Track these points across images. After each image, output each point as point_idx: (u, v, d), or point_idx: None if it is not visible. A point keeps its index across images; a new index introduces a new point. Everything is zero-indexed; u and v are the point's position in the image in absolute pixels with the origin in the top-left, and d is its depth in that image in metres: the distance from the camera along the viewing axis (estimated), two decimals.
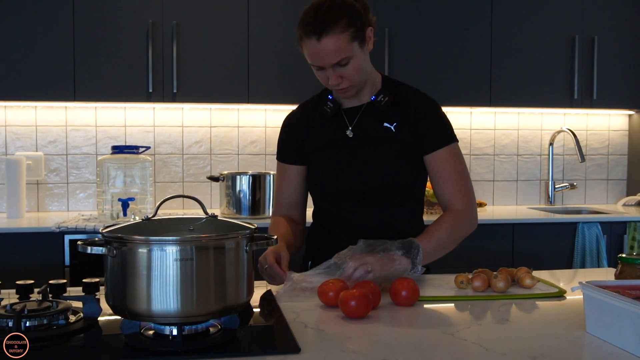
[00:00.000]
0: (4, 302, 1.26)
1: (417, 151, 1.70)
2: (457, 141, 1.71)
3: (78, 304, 1.28)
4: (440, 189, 1.70)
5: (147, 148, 3.09)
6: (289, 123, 1.84)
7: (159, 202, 1.28)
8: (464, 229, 1.68)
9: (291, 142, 1.80)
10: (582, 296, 1.21)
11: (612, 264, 3.15)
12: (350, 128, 1.72)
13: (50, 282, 1.31)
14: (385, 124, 1.70)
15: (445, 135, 1.70)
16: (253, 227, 1.22)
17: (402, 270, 1.49)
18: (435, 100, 1.76)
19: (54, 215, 3.16)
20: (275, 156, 1.86)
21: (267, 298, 1.48)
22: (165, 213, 2.94)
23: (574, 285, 1.45)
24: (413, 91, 1.76)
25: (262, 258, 1.56)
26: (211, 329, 1.18)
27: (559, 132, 3.80)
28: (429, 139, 1.68)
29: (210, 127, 3.47)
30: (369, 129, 1.71)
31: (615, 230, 3.26)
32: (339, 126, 1.73)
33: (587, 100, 3.53)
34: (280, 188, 1.85)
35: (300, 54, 1.65)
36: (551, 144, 3.81)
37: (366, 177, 1.69)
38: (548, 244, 3.17)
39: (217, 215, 1.26)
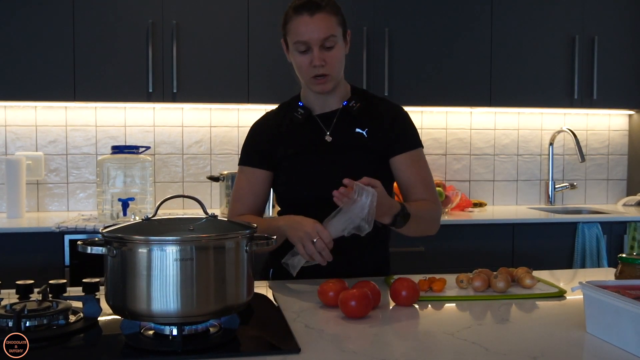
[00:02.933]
0: (4, 302, 1.26)
1: (386, 155, 1.73)
2: (423, 147, 1.77)
3: (78, 304, 1.28)
4: (410, 190, 1.72)
5: (147, 148, 3.09)
6: (258, 129, 1.80)
7: (159, 202, 1.28)
8: (436, 218, 1.73)
9: (261, 148, 1.75)
10: (582, 296, 1.21)
11: (612, 264, 3.15)
12: (328, 133, 1.73)
13: (50, 282, 1.31)
14: (358, 130, 1.72)
15: (414, 139, 1.76)
16: (253, 227, 1.22)
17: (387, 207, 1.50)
18: (402, 107, 1.82)
19: (54, 215, 3.16)
20: (239, 162, 1.80)
21: (267, 297, 1.48)
22: (165, 213, 2.94)
23: (574, 285, 1.45)
24: (381, 99, 1.81)
25: (311, 230, 1.43)
26: (211, 329, 1.18)
27: (559, 132, 3.80)
28: (398, 142, 1.72)
29: (210, 127, 3.47)
30: (344, 135, 1.72)
31: (615, 230, 3.26)
32: (315, 132, 1.73)
33: (587, 100, 3.53)
34: (243, 191, 1.75)
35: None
36: (551, 144, 3.81)
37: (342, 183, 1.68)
38: (548, 244, 3.17)
39: (217, 215, 1.26)
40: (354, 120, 1.73)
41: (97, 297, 1.28)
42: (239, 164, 1.80)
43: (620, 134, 3.95)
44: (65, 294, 1.31)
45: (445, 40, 3.36)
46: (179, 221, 1.22)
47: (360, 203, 1.39)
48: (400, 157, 1.72)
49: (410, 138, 1.75)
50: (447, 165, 3.73)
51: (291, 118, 1.74)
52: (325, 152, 1.71)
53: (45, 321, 1.18)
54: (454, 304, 1.45)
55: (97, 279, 1.33)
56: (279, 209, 1.82)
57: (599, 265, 3.15)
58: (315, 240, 1.42)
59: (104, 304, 1.23)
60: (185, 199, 2.90)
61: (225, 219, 1.31)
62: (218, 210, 3.18)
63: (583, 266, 3.15)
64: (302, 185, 1.71)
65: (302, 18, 1.61)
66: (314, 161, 1.71)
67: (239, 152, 1.85)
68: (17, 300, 1.28)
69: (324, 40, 1.61)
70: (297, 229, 1.46)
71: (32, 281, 1.32)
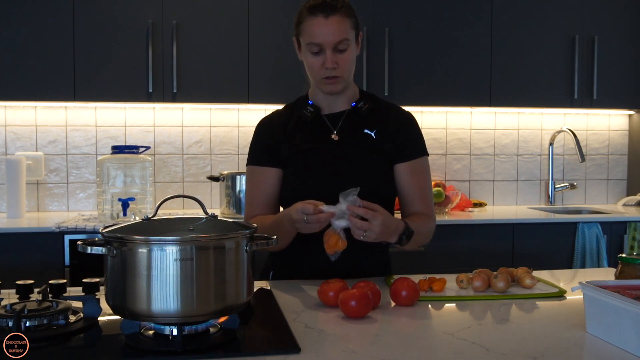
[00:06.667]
0: (4, 302, 1.27)
1: (393, 159, 1.73)
2: (428, 155, 1.78)
3: (78, 304, 1.28)
4: (407, 200, 1.73)
5: (147, 148, 3.09)
6: (264, 127, 1.79)
7: (159, 202, 1.28)
8: (431, 231, 1.73)
9: (268, 145, 1.74)
10: (582, 296, 1.21)
11: (612, 264, 3.15)
12: (335, 132, 1.73)
13: (50, 282, 1.31)
14: (366, 131, 1.72)
15: (420, 148, 1.76)
16: (253, 227, 1.22)
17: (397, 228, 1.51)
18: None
19: (54, 215, 3.16)
20: (247, 162, 1.79)
21: (267, 297, 1.48)
22: (165, 213, 2.94)
23: (574, 285, 1.45)
24: (391, 104, 1.82)
25: (300, 210, 1.47)
26: (211, 329, 1.18)
27: (559, 132, 3.80)
28: (403, 150, 1.73)
29: (210, 127, 3.47)
30: (352, 134, 1.72)
31: (615, 230, 3.26)
32: (322, 130, 1.73)
33: (587, 100, 3.53)
34: (256, 190, 1.75)
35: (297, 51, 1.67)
36: (551, 144, 3.81)
37: (350, 181, 1.67)
38: (548, 244, 3.17)
39: (217, 215, 1.26)
40: (362, 121, 1.73)
41: (97, 297, 1.28)
42: (248, 164, 1.78)
43: (620, 134, 3.95)
44: (65, 294, 1.31)
45: (445, 40, 3.36)
46: (179, 221, 1.23)
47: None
48: (403, 165, 1.72)
49: (416, 146, 1.75)
50: (447, 165, 3.73)
51: (299, 115, 1.74)
52: (332, 150, 1.71)
53: (45, 321, 1.18)
54: (454, 304, 1.45)
55: (97, 279, 1.33)
56: (282, 208, 1.82)
57: (599, 265, 3.15)
58: (306, 218, 1.45)
59: (104, 304, 1.23)
60: (185, 199, 2.90)
61: (225, 219, 1.31)
62: (218, 210, 3.18)
63: (583, 266, 3.15)
64: (307, 182, 1.70)
65: (317, 19, 1.60)
66: (320, 158, 1.71)
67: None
68: (17, 300, 1.28)
69: (337, 43, 1.61)
70: (289, 220, 1.50)
71: (32, 281, 1.32)
